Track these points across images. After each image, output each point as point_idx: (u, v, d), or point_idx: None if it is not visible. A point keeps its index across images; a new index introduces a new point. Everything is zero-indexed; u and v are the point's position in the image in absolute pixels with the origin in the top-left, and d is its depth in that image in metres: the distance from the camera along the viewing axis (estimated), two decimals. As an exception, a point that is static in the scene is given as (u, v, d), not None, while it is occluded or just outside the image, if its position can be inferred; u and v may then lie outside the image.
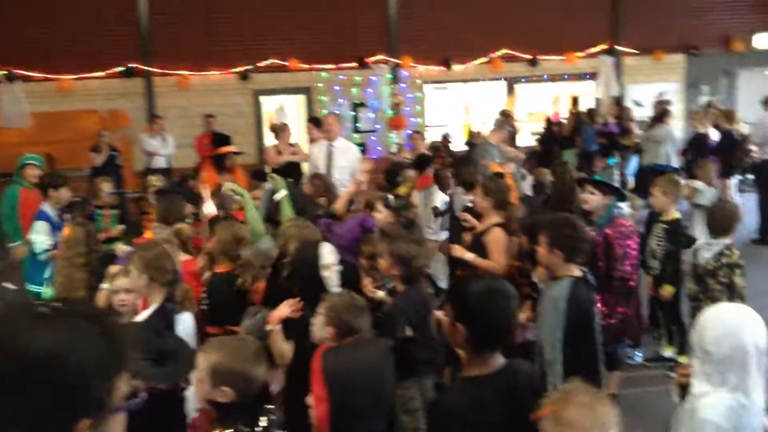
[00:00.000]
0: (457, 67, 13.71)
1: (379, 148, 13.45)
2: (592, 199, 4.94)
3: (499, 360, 2.32)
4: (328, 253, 3.89)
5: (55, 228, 5.80)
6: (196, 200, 6.26)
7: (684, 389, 2.53)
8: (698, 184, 6.62)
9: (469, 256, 4.78)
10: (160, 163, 11.05)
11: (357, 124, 13.53)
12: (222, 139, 8.03)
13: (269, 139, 12.15)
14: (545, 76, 14.44)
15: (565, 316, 3.19)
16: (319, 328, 3.07)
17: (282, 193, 5.40)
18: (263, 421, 2.49)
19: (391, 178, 8.16)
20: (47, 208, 5.94)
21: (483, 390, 2.25)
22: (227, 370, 2.44)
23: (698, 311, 4.79)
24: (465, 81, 14.23)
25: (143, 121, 12.25)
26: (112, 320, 1.28)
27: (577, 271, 3.40)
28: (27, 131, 11.38)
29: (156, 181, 6.94)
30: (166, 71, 12.44)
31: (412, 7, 13.31)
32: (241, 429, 2.42)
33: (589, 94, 14.56)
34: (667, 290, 5.33)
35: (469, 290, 2.32)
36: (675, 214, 5.51)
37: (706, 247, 4.86)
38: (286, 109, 14.37)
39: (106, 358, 1.17)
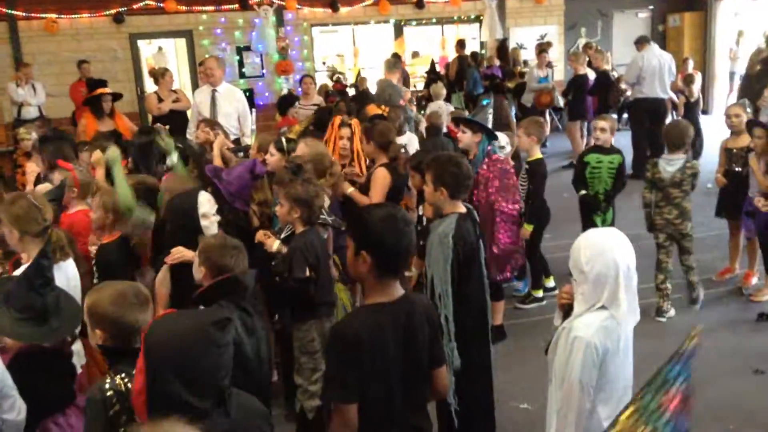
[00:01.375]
0: (343, 9, 13.50)
1: (267, 94, 13.15)
2: (464, 137, 5.28)
3: (399, 290, 2.39)
4: (206, 202, 3.78)
5: None
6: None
7: (566, 312, 2.68)
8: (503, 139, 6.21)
9: (350, 189, 5.00)
10: (31, 113, 10.32)
11: (243, 70, 13.12)
12: (96, 84, 7.55)
13: (150, 86, 11.62)
14: (433, 19, 14.49)
15: (452, 250, 3.30)
16: (196, 269, 3.15)
17: (174, 159, 5.04)
18: None
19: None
20: None
21: (383, 316, 2.31)
22: (100, 313, 2.43)
23: (650, 218, 5.59)
24: (352, 23, 14.06)
25: (9, 69, 11.36)
26: None
27: (461, 208, 3.51)
28: None
29: (26, 134, 6.48)
30: (31, 14, 11.53)
31: (294, -53, 12.93)
32: (131, 373, 2.36)
33: (475, 37, 14.79)
34: (526, 228, 5.53)
35: (370, 217, 2.36)
36: (537, 154, 5.77)
37: (667, 162, 5.52)
38: (167, 54, 13.74)
39: None
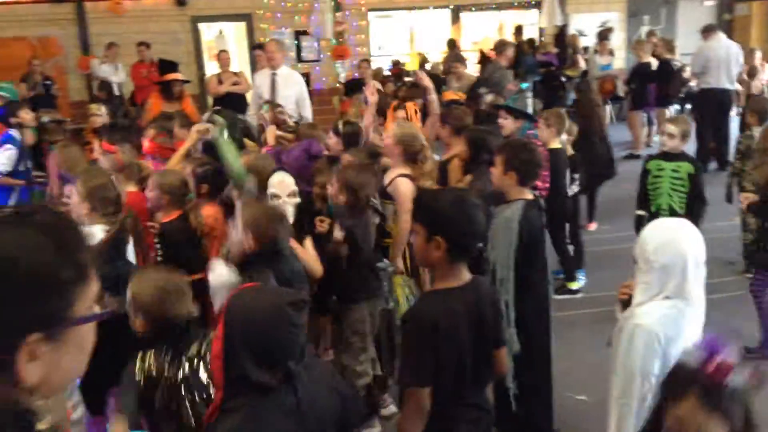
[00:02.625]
0: (401, -6, 13.45)
1: (324, 79, 13.20)
2: (505, 123, 5.36)
3: (467, 274, 2.40)
4: (277, 183, 3.87)
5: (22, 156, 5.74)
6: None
7: (626, 305, 2.65)
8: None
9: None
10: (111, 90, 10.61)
11: (300, 54, 13.20)
12: (169, 66, 7.70)
13: (210, 68, 11.81)
14: (492, 5, 14.30)
15: (517, 236, 3.29)
16: (238, 236, 3.19)
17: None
18: (194, 347, 2.57)
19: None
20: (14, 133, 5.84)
21: (454, 301, 2.33)
22: (141, 304, 2.54)
23: (738, 185, 5.74)
24: (409, 9, 14.00)
25: (75, 50, 11.69)
26: (74, 231, 1.18)
27: (528, 195, 3.48)
28: (-48, 59, 10.72)
29: (97, 110, 6.67)
30: (98, -4, 11.83)
31: (356, -70, 12.91)
32: (161, 352, 2.50)
33: (534, 23, 14.55)
34: None
35: (439, 202, 2.37)
36: (555, 145, 5.71)
37: (754, 132, 5.88)
38: (226, 37, 13.91)
39: (61, 268, 1.09)
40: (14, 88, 8.07)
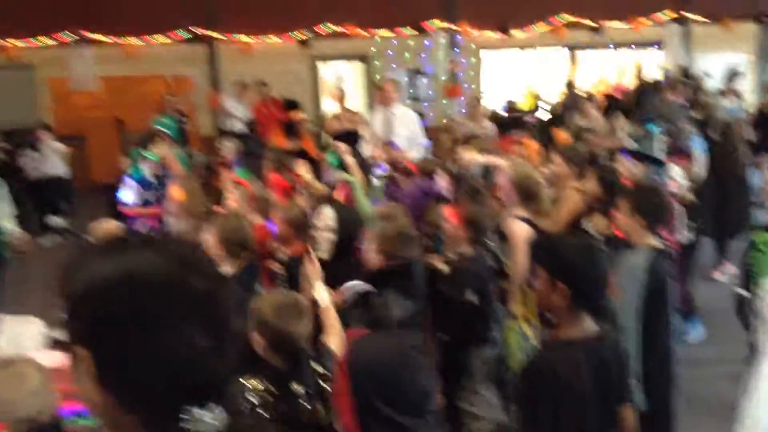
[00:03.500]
0: (516, 34, 13.39)
1: (432, 115, 13.25)
2: (628, 168, 4.99)
3: (591, 325, 2.33)
4: (323, 216, 3.94)
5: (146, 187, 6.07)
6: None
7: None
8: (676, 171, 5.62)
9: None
10: (238, 126, 11.17)
11: (412, 92, 13.39)
12: (292, 105, 8.08)
13: (327, 106, 12.20)
14: (610, 45, 14.02)
15: (643, 286, 3.15)
16: (370, 254, 3.23)
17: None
18: (299, 387, 2.46)
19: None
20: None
21: (576, 351, 2.26)
22: (261, 319, 2.55)
23: None
24: (522, 48, 13.93)
25: (207, 86, 12.41)
26: None
27: (656, 242, 3.35)
28: (97, 95, 11.69)
29: (225, 144, 7.03)
30: (229, 37, 12.52)
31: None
32: (256, 385, 2.43)
33: (655, 64, 14.13)
34: None
35: (566, 247, 2.33)
36: None
37: None
38: (344, 77, 14.39)
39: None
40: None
